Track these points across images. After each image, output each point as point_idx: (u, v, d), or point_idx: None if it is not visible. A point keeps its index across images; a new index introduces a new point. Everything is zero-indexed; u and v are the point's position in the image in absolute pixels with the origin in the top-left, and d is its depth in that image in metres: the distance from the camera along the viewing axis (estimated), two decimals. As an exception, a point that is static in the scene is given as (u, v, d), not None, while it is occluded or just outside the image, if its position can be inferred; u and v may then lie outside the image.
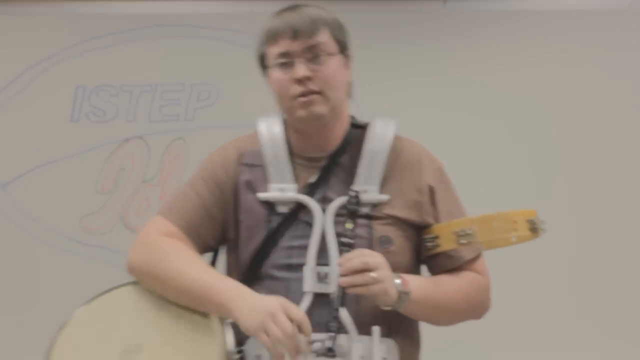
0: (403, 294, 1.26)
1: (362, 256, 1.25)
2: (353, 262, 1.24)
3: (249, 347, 1.30)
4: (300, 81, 1.32)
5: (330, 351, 1.21)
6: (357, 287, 1.23)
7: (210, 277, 1.31)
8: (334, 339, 1.22)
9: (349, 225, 1.32)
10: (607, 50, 2.54)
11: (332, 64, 1.34)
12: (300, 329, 1.21)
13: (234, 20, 2.52)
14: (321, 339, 1.24)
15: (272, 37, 1.33)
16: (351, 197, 1.32)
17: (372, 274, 1.24)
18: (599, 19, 2.57)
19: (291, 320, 1.21)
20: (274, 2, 2.34)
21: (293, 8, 1.36)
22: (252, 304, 1.24)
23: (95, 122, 2.46)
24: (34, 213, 2.43)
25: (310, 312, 1.27)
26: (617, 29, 2.60)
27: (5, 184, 2.45)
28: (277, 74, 1.34)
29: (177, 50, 2.51)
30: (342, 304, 1.25)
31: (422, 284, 1.33)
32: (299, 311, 1.23)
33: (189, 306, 1.32)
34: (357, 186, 1.36)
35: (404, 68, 2.58)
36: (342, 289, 1.24)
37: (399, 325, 1.33)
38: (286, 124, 1.42)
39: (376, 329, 1.27)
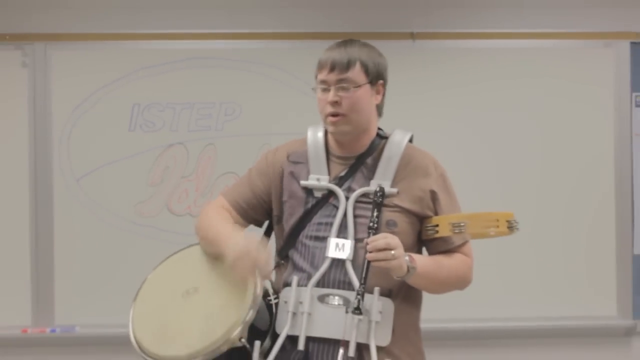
0: (411, 269, 1.49)
1: (385, 238, 1.47)
2: (378, 242, 1.46)
3: (282, 294, 1.60)
4: (330, 103, 1.60)
5: (357, 310, 1.47)
6: (380, 262, 1.47)
7: (225, 228, 1.62)
8: (361, 300, 1.47)
9: (374, 214, 1.54)
10: (534, 78, 2.83)
11: (358, 94, 1.59)
12: (259, 264, 1.50)
13: (253, 54, 2.82)
14: (340, 293, 1.55)
15: (319, 66, 1.62)
16: (377, 191, 1.57)
17: (392, 252, 1.46)
18: (529, 54, 2.83)
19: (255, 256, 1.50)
20: (283, 40, 2.73)
21: (340, 44, 1.64)
22: (233, 245, 1.51)
23: (146, 132, 2.78)
24: (99, 201, 2.78)
25: (328, 272, 1.56)
26: (546, 63, 2.84)
27: (79, 178, 2.77)
28: (319, 94, 1.63)
29: (210, 76, 2.80)
30: (367, 274, 1.49)
31: (425, 262, 1.58)
32: (263, 253, 1.51)
33: (216, 253, 1.61)
34: (375, 182, 1.62)
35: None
36: (369, 262, 1.48)
37: (398, 290, 1.59)
38: (327, 131, 1.71)
39: (377, 289, 1.52)
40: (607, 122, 2.80)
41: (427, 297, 1.70)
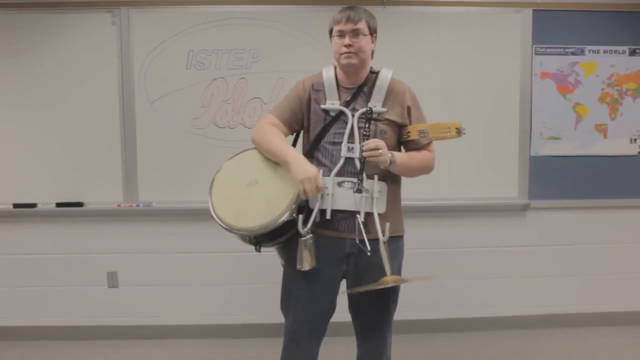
0: (392, 161, 1.76)
1: (374, 142, 1.74)
2: (370, 144, 1.73)
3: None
4: (346, 45, 1.80)
5: (359, 190, 1.74)
6: (372, 157, 1.73)
7: (285, 147, 1.84)
8: (360, 183, 1.74)
9: (367, 125, 1.76)
10: (467, 35, 3.21)
11: (364, 40, 1.83)
12: (318, 188, 1.74)
13: (273, 15, 3.14)
14: (350, 180, 1.79)
15: (336, 20, 1.84)
16: (367, 110, 1.81)
17: (380, 151, 1.72)
18: (480, 19, 3.20)
19: (316, 182, 1.73)
20: (293, 5, 3.07)
21: (350, 8, 1.86)
22: (300, 166, 1.75)
23: (198, 69, 3.17)
24: (167, 117, 3.20)
25: (343, 166, 1.82)
26: (490, 27, 3.20)
27: (153, 101, 3.20)
28: (335, 39, 1.84)
29: (242, 31, 3.16)
30: (364, 166, 1.76)
31: (402, 156, 1.84)
32: (320, 180, 1.74)
33: (276, 161, 1.84)
34: (371, 103, 1.84)
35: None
36: (364, 158, 1.74)
37: (386, 176, 1.84)
38: (336, 69, 1.90)
39: (376, 176, 1.80)
40: (515, 64, 3.26)
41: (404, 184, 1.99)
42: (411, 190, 2.82)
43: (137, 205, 3.24)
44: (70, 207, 3.21)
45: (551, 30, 3.26)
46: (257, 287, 3.32)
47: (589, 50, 3.31)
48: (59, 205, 3.22)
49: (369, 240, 1.76)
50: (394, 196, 1.88)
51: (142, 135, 3.21)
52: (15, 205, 3.23)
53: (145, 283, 3.35)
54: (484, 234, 3.37)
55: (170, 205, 3.21)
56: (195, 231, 3.26)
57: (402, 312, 3.28)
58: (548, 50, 3.30)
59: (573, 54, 3.31)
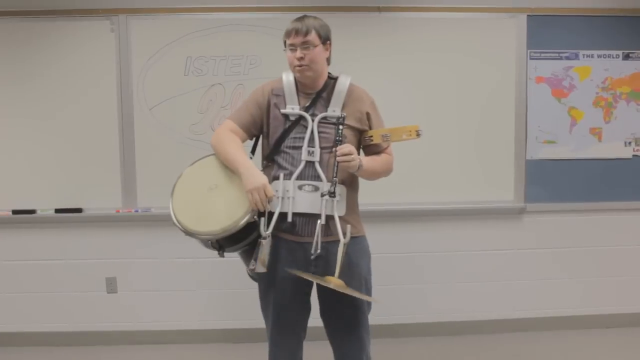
0: (360, 166, 1.84)
1: (348, 146, 1.81)
2: (344, 149, 1.79)
3: (272, 186, 1.83)
4: (297, 59, 1.85)
5: (332, 194, 1.79)
6: (345, 162, 1.79)
7: (238, 156, 1.85)
8: (334, 187, 1.78)
9: (339, 131, 1.80)
10: (462, 40, 3.24)
11: (315, 51, 1.88)
12: (267, 197, 1.77)
13: (270, 22, 3.16)
14: (311, 183, 1.82)
15: (287, 34, 1.88)
16: (339, 117, 1.86)
17: (352, 156, 1.79)
18: (474, 25, 3.22)
19: (265, 191, 1.75)
20: (291, 12, 2.80)
21: (299, 19, 1.88)
22: (250, 177, 1.77)
23: (197, 76, 3.19)
24: (165, 123, 3.22)
25: (304, 170, 1.84)
26: (485, 32, 3.24)
27: (151, 107, 3.22)
28: (288, 53, 1.90)
29: (240, 37, 3.18)
30: (337, 172, 1.78)
31: (368, 161, 1.91)
32: (269, 189, 1.77)
33: (229, 167, 1.87)
34: (330, 108, 1.87)
35: (355, 53, 3.14)
36: (338, 163, 1.78)
37: (345, 180, 1.89)
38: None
39: (338, 181, 1.83)
40: (510, 69, 3.30)
41: (367, 187, 2.07)
42: (408, 195, 3.17)
43: (136, 211, 3.27)
44: (69, 213, 3.24)
45: (545, 35, 3.31)
46: (257, 292, 3.26)
47: (583, 55, 3.35)
48: (58, 211, 3.25)
49: (330, 242, 1.79)
50: (352, 199, 1.92)
51: (140, 141, 3.23)
52: (15, 212, 3.26)
53: (144, 288, 3.38)
54: (480, 238, 3.41)
55: (168, 210, 3.10)
56: (193, 236, 3.24)
57: (399, 315, 3.47)
58: (542, 54, 3.34)
59: (567, 58, 3.35)
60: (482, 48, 3.27)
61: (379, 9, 3.18)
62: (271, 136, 1.91)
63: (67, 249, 3.30)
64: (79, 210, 3.25)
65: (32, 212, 3.25)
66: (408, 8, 3.23)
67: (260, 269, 1.76)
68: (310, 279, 1.76)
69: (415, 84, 3.23)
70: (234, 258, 3.08)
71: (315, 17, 1.88)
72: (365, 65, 3.12)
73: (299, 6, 3.11)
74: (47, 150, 3.24)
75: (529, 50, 3.33)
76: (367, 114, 1.93)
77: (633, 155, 3.44)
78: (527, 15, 3.30)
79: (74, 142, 3.23)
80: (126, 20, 3.18)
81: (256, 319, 3.19)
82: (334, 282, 1.76)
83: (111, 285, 3.39)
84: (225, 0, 3.19)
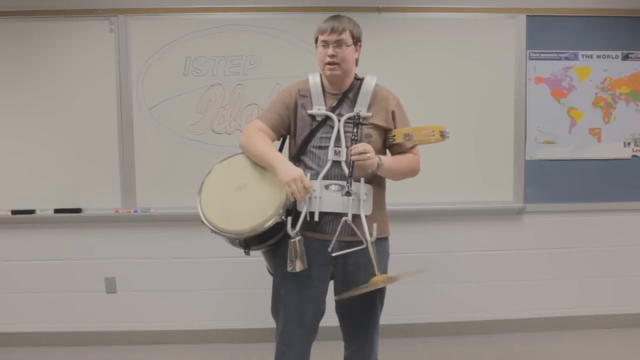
0: (379, 164, 1.81)
1: (362, 146, 1.78)
2: (358, 149, 1.77)
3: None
4: (329, 56, 1.85)
5: (348, 193, 1.79)
6: (360, 161, 1.77)
7: (270, 151, 1.87)
8: (349, 186, 1.78)
9: (356, 130, 1.81)
10: (463, 39, 3.24)
11: (347, 50, 1.88)
12: (305, 187, 1.75)
13: (269, 22, 3.16)
14: (337, 182, 1.82)
15: (321, 31, 1.87)
16: (355, 115, 1.86)
17: (368, 155, 1.76)
18: (474, 25, 3.21)
19: (302, 182, 1.75)
20: (289, 12, 3.08)
21: (335, 17, 1.89)
22: (285, 169, 1.77)
23: (196, 76, 3.18)
24: (165, 123, 3.21)
25: (330, 170, 1.85)
26: (483, 32, 3.24)
27: (150, 108, 3.21)
28: (320, 49, 1.89)
29: (239, 37, 3.17)
30: (353, 170, 1.79)
31: (388, 160, 1.88)
32: (306, 180, 1.76)
33: (262, 165, 1.86)
34: (356, 109, 1.88)
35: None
36: (353, 162, 1.78)
37: (372, 180, 1.88)
38: (321, 75, 1.95)
39: (362, 179, 1.84)
40: (510, 69, 3.29)
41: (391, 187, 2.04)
42: (407, 195, 3.08)
43: (135, 211, 3.27)
44: (68, 213, 3.24)
45: (545, 35, 3.30)
46: (256, 292, 3.33)
47: (583, 55, 3.35)
48: (57, 211, 3.25)
49: (355, 242, 1.80)
50: (379, 199, 1.92)
51: (140, 142, 3.23)
52: (14, 212, 3.26)
53: (143, 289, 3.37)
54: (479, 238, 3.41)
55: (168, 210, 3.24)
56: (193, 236, 3.28)
57: (397, 315, 3.45)
58: (542, 55, 3.33)
59: (567, 58, 3.34)
60: (481, 48, 3.27)
61: (378, 10, 3.18)
62: (298, 136, 1.92)
63: (67, 249, 3.31)
64: (78, 211, 3.24)
65: (32, 212, 3.25)
66: (407, 8, 3.23)
67: (299, 266, 1.77)
68: (358, 293, 1.78)
69: (415, 83, 3.22)
70: (234, 258, 3.20)
71: (349, 18, 1.90)
72: (365, 65, 2.90)
73: (299, 6, 3.16)
74: (46, 151, 3.23)
75: (528, 51, 3.33)
76: (393, 112, 1.93)
77: (632, 156, 3.44)
78: (527, 16, 3.30)
79: (73, 142, 3.22)
80: (125, 21, 3.17)
81: (256, 319, 3.36)
82: (379, 278, 1.77)
83: (110, 286, 3.39)
84: (224, 0, 3.18)
